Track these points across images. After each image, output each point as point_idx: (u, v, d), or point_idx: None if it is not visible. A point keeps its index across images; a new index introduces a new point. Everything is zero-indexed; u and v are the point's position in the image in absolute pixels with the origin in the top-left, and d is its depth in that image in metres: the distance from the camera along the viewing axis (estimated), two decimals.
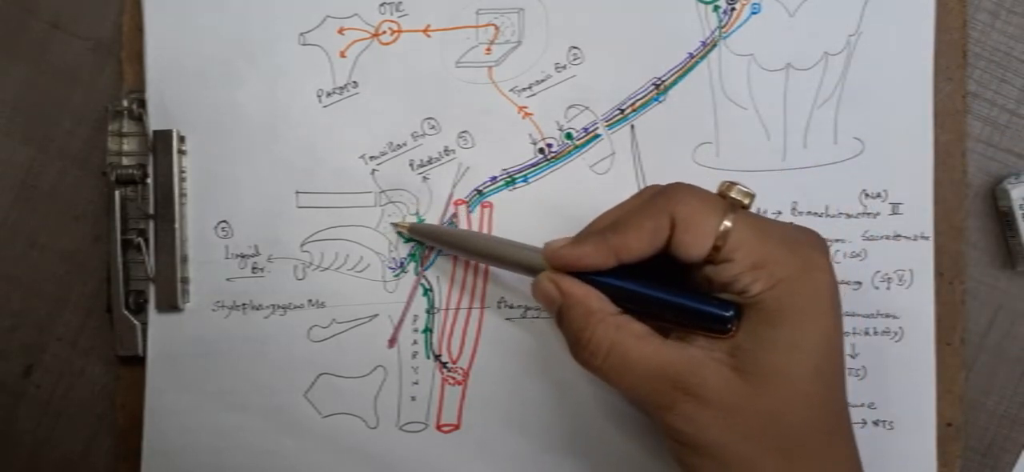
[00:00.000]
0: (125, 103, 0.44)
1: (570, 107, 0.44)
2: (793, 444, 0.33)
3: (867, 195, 0.43)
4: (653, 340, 0.35)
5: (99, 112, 0.45)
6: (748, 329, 0.34)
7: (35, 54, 0.45)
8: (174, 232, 0.43)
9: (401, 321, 0.43)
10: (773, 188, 0.43)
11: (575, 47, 0.44)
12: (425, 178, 0.44)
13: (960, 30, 0.43)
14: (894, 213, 0.43)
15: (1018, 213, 0.42)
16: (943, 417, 0.42)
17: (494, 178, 0.44)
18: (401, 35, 0.44)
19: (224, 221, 0.44)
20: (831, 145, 0.43)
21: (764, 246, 0.34)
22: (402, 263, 0.43)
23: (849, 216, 0.43)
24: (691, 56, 0.43)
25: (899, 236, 0.43)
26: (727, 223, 0.34)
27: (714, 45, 0.43)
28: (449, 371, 0.43)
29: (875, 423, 0.43)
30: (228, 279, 0.43)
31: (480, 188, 0.44)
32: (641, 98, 0.43)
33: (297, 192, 0.43)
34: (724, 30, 0.43)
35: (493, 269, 0.43)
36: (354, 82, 0.44)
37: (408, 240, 0.44)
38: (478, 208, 0.44)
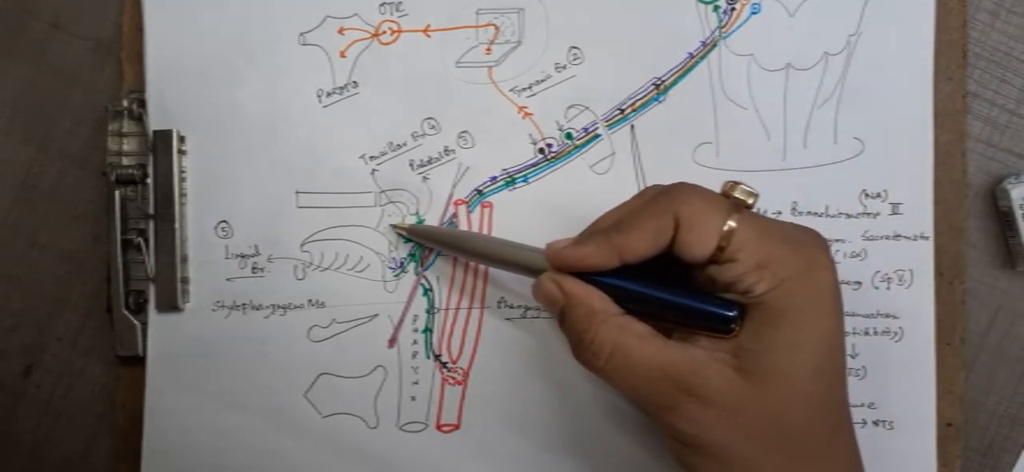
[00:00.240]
0: (125, 103, 0.44)
1: (570, 107, 0.44)
2: (795, 444, 0.33)
3: (867, 195, 0.43)
4: (656, 340, 0.35)
5: (99, 112, 0.45)
6: (751, 329, 0.34)
7: (35, 54, 0.45)
8: (174, 232, 0.43)
9: (401, 321, 0.43)
10: (773, 188, 0.43)
11: (575, 47, 0.44)
12: (425, 178, 0.44)
13: (960, 30, 0.43)
14: (894, 213, 0.43)
15: (1018, 213, 0.42)
16: (943, 417, 0.42)
17: (494, 178, 0.44)
18: (401, 35, 0.44)
19: (224, 221, 0.44)
20: (831, 145, 0.43)
21: (768, 246, 0.34)
22: (402, 263, 0.43)
23: (849, 216, 0.43)
24: (691, 56, 0.43)
25: (899, 236, 0.43)
26: (731, 223, 0.34)
27: (714, 45, 0.43)
28: (449, 371, 0.43)
29: (875, 423, 0.43)
30: (228, 279, 0.43)
31: (480, 188, 0.44)
32: (641, 98, 0.43)
33: (297, 192, 0.44)
34: (724, 30, 0.43)
35: (494, 270, 0.43)
36: (354, 82, 0.44)
37: (408, 240, 0.43)
38: (478, 208, 0.44)
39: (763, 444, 0.33)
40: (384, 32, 0.44)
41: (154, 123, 0.43)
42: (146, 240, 0.43)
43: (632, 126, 0.43)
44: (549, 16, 0.43)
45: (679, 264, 0.35)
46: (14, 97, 0.45)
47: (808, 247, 0.35)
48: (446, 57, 0.44)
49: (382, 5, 0.44)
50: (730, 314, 0.34)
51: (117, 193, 0.43)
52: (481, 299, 0.43)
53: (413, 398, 0.43)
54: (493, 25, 0.44)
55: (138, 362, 0.44)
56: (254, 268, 0.43)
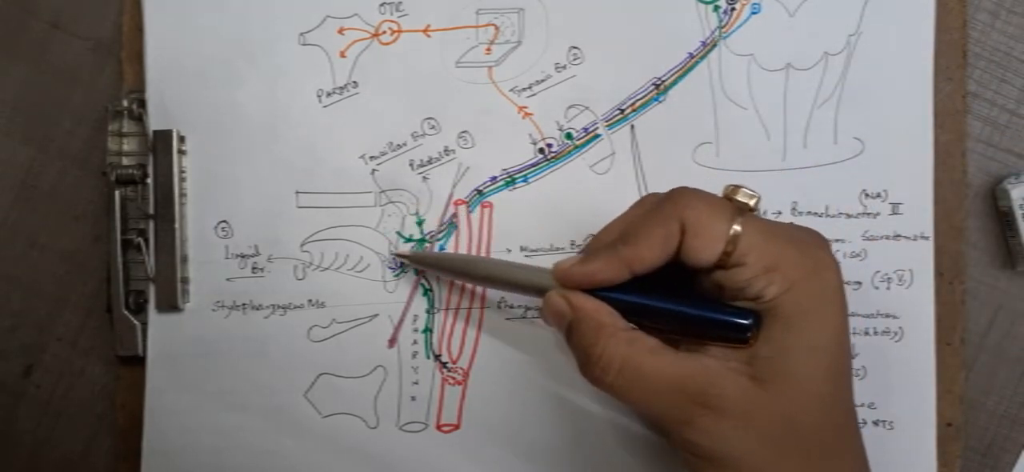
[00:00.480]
0: (125, 103, 0.44)
1: (570, 107, 0.44)
2: (809, 445, 0.33)
3: (867, 195, 0.43)
4: (667, 353, 0.34)
5: (99, 112, 0.45)
6: (764, 335, 0.33)
7: (35, 54, 0.45)
8: (174, 232, 0.43)
9: (401, 321, 0.43)
10: (773, 188, 0.43)
11: (575, 47, 0.44)
12: (425, 178, 0.44)
13: (960, 30, 0.43)
14: (894, 213, 0.43)
15: (1018, 213, 0.42)
16: (943, 417, 0.42)
17: (494, 178, 0.44)
18: (401, 35, 0.44)
19: (224, 221, 0.44)
20: (831, 145, 0.43)
21: (775, 248, 0.33)
22: (402, 263, 0.43)
23: (849, 216, 0.43)
24: (691, 56, 0.43)
25: (899, 236, 0.43)
26: (737, 227, 0.33)
27: (714, 45, 0.43)
28: (449, 371, 0.43)
29: (875, 423, 0.43)
30: (228, 279, 0.43)
31: (480, 188, 0.44)
32: (641, 98, 0.43)
33: (297, 192, 0.44)
34: (724, 30, 0.43)
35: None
36: (354, 82, 0.44)
37: (408, 240, 0.43)
38: (478, 208, 0.44)
39: (778, 449, 0.33)
40: (384, 32, 0.44)
41: (154, 123, 0.43)
42: (146, 240, 0.43)
43: (632, 126, 0.43)
44: (549, 16, 0.44)
45: (684, 274, 0.35)
46: (14, 97, 0.46)
47: (813, 248, 0.34)
48: (446, 57, 0.44)
49: (382, 5, 0.44)
50: (746, 322, 0.33)
51: (117, 193, 0.43)
52: (481, 299, 0.43)
53: (413, 398, 0.43)
54: (493, 25, 0.44)
55: (138, 362, 0.44)
56: (254, 268, 0.43)
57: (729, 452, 0.33)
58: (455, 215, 0.44)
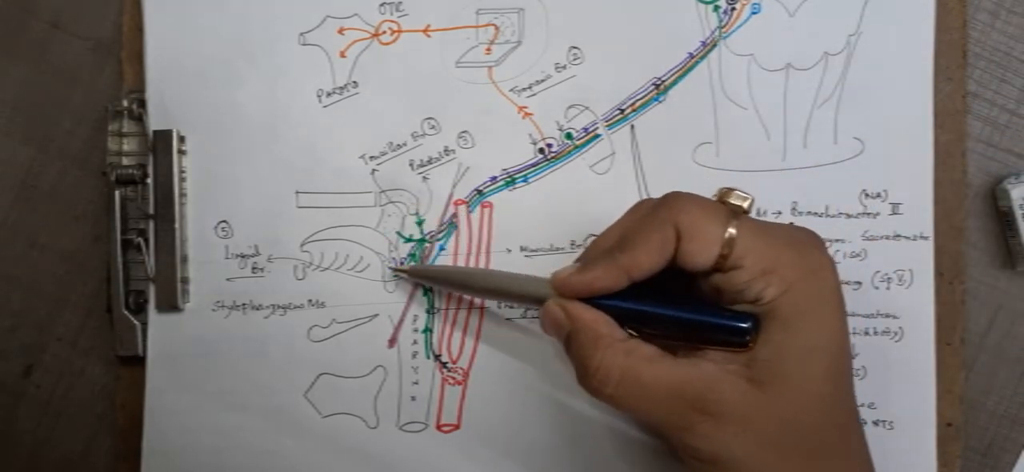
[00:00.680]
0: (125, 103, 0.44)
1: (570, 107, 0.44)
2: (812, 446, 0.33)
3: (867, 195, 0.43)
4: (665, 361, 0.34)
5: (99, 112, 0.45)
6: (764, 337, 0.33)
7: (35, 54, 0.45)
8: (174, 232, 0.43)
9: (401, 321, 0.43)
10: (773, 188, 0.43)
11: (575, 47, 0.44)
12: (425, 178, 0.44)
13: (960, 30, 0.43)
14: (894, 213, 0.43)
15: (1018, 213, 0.42)
16: (943, 417, 0.42)
17: (494, 178, 0.44)
18: (401, 35, 0.44)
19: (224, 221, 0.44)
20: (831, 145, 0.43)
21: (772, 250, 0.33)
22: (402, 263, 0.43)
23: (849, 216, 0.43)
24: (691, 56, 0.43)
25: (899, 236, 0.43)
26: (732, 231, 0.33)
27: (714, 45, 0.43)
28: (449, 371, 0.43)
29: (875, 423, 0.43)
30: (228, 279, 0.43)
31: (480, 188, 0.44)
32: (641, 98, 0.43)
33: (297, 192, 0.44)
34: (724, 30, 0.43)
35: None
36: (354, 82, 0.44)
37: (408, 240, 0.44)
38: (478, 208, 0.44)
39: (780, 451, 0.33)
40: (384, 32, 0.44)
41: (154, 123, 0.43)
42: (146, 240, 0.43)
43: (632, 126, 0.43)
44: (549, 16, 0.44)
45: (681, 281, 0.35)
46: (14, 97, 0.46)
47: (810, 248, 0.34)
48: (446, 57, 0.44)
49: (382, 5, 0.44)
50: (745, 326, 0.33)
51: (117, 193, 0.43)
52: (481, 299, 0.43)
53: (413, 398, 0.43)
54: (493, 25, 0.44)
55: (138, 362, 0.44)
56: (254, 268, 0.43)
57: (730, 456, 0.33)
58: (455, 215, 0.44)
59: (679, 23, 0.43)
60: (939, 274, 0.43)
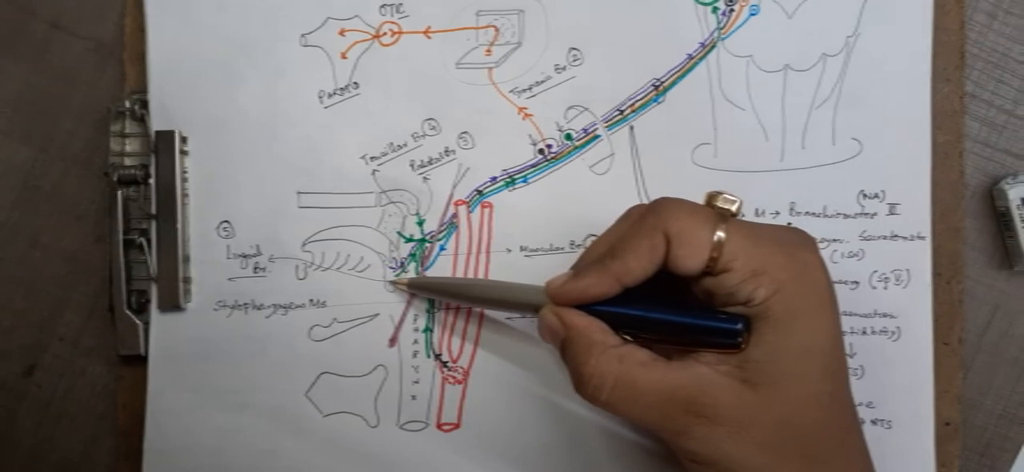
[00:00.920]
0: (127, 104, 0.44)
1: (570, 108, 0.44)
2: (809, 446, 0.33)
3: (865, 195, 0.43)
4: (658, 365, 0.34)
5: (101, 113, 0.45)
6: (756, 339, 0.33)
7: (36, 55, 0.46)
8: (176, 232, 0.43)
9: (402, 320, 0.44)
10: (771, 189, 0.43)
11: (575, 48, 0.44)
12: (425, 178, 0.44)
13: (958, 31, 0.43)
14: (891, 213, 0.43)
15: (1015, 213, 0.42)
16: (941, 416, 0.43)
17: (494, 178, 0.44)
18: (402, 36, 0.44)
19: (226, 221, 0.44)
20: (829, 146, 0.43)
21: (760, 252, 0.34)
22: (403, 263, 0.44)
23: (847, 216, 0.43)
24: (690, 57, 0.43)
25: (896, 236, 0.43)
26: (720, 234, 0.34)
27: (713, 46, 0.43)
28: (449, 370, 0.43)
29: (873, 422, 0.43)
30: (230, 279, 0.44)
31: (480, 188, 0.44)
32: (640, 99, 0.44)
33: (298, 192, 0.44)
34: (723, 31, 0.43)
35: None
36: (355, 83, 0.44)
37: (408, 241, 0.44)
38: (478, 208, 0.44)
39: (777, 452, 0.33)
40: (385, 33, 0.44)
41: (156, 124, 0.43)
42: (148, 240, 0.43)
43: (631, 127, 0.44)
44: (549, 17, 0.44)
45: (675, 283, 0.35)
46: (15, 97, 0.46)
47: (799, 249, 0.35)
48: (446, 58, 0.44)
49: (383, 7, 0.44)
50: (736, 327, 0.33)
51: (119, 193, 0.43)
52: None
53: (413, 397, 0.43)
54: (493, 26, 0.44)
55: (139, 362, 0.44)
56: (255, 268, 0.44)
57: (726, 457, 0.33)
58: (455, 215, 0.44)
59: (678, 25, 0.43)
60: (937, 274, 0.43)
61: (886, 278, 0.43)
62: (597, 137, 0.44)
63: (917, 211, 0.43)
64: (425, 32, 0.44)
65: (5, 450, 0.45)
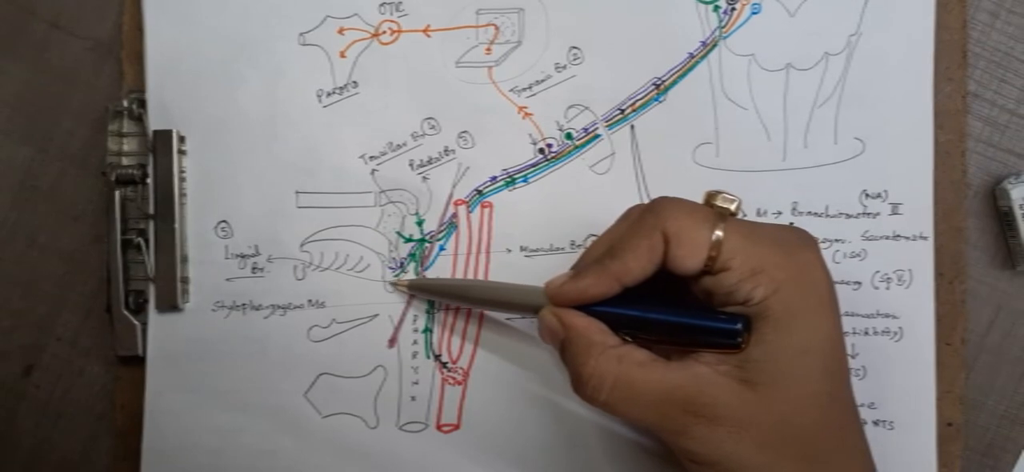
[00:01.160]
0: (125, 103, 0.44)
1: (570, 107, 0.44)
2: (809, 446, 0.33)
3: (867, 195, 0.43)
4: (657, 365, 0.34)
5: (99, 112, 0.45)
6: (755, 338, 0.33)
7: (35, 54, 0.45)
8: (174, 232, 0.43)
9: (401, 321, 0.43)
10: (773, 188, 0.43)
11: (575, 47, 0.44)
12: (425, 178, 0.44)
13: (960, 30, 0.43)
14: (894, 213, 0.43)
15: (1018, 213, 0.42)
16: (943, 417, 0.42)
17: (494, 178, 0.44)
18: (401, 35, 0.44)
19: (224, 221, 0.44)
20: (831, 145, 0.43)
21: (759, 251, 0.33)
22: (402, 263, 0.43)
23: (849, 216, 0.43)
24: (691, 56, 0.43)
25: (899, 236, 0.43)
26: (719, 233, 0.33)
27: (714, 45, 0.43)
28: (449, 371, 0.43)
29: (875, 423, 0.43)
30: (228, 279, 0.43)
31: (480, 188, 0.44)
32: (641, 98, 0.43)
33: (297, 192, 0.44)
34: (724, 30, 0.43)
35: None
36: (354, 82, 0.44)
37: (408, 241, 0.44)
38: (478, 208, 0.44)
39: (777, 452, 0.33)
40: (384, 32, 0.44)
41: (154, 123, 0.43)
42: (146, 240, 0.43)
43: (632, 126, 0.43)
44: (549, 16, 0.44)
45: (675, 283, 0.35)
46: (14, 97, 0.46)
47: (798, 248, 0.35)
48: (446, 57, 0.44)
49: (382, 5, 0.44)
50: (736, 327, 0.33)
51: (117, 193, 0.43)
52: None
53: (413, 398, 0.43)
54: (493, 25, 0.44)
55: (138, 362, 0.44)
56: (254, 268, 0.43)
57: (726, 457, 0.33)
58: (455, 215, 0.44)
59: (679, 23, 0.43)
60: (939, 274, 0.43)
61: (888, 278, 0.43)
62: (598, 136, 0.43)
63: (919, 211, 0.43)
64: (424, 31, 0.44)
65: (4, 450, 0.45)
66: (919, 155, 0.43)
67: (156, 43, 0.44)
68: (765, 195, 0.43)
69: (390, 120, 0.44)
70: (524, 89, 0.44)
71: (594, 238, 0.42)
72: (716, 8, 0.43)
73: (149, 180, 0.43)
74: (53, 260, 0.45)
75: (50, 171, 0.45)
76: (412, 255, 0.43)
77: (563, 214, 0.43)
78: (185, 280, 0.43)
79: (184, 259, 0.43)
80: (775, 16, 0.43)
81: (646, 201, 0.38)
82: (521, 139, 0.44)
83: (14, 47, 0.46)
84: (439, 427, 0.43)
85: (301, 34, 0.44)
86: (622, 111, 0.43)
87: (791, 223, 0.43)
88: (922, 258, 0.43)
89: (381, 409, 0.43)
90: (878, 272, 0.43)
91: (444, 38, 0.44)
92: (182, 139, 0.43)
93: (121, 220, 0.43)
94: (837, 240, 0.43)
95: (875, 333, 0.43)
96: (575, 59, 0.44)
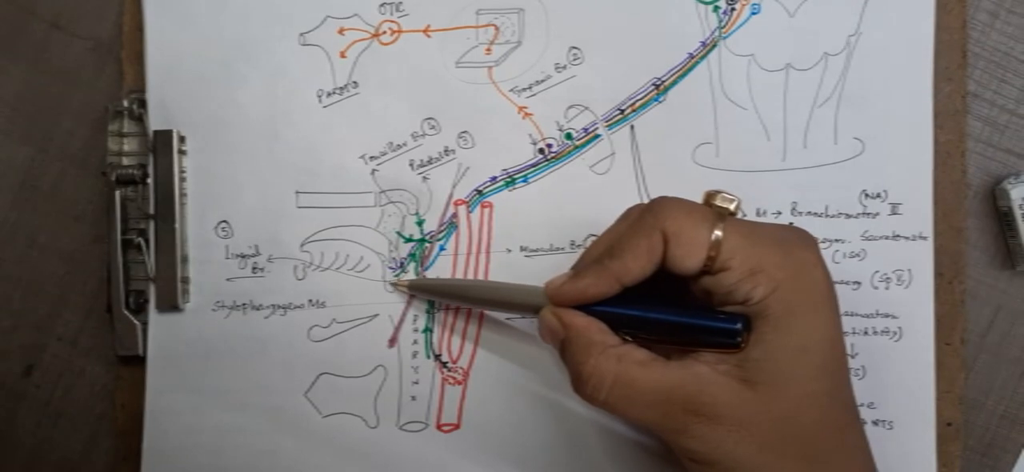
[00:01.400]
0: (125, 103, 0.44)
1: (570, 107, 0.44)
2: (808, 445, 0.33)
3: (867, 195, 0.43)
4: (657, 365, 0.34)
5: (99, 112, 0.45)
6: (755, 338, 0.33)
7: (35, 54, 0.45)
8: (174, 232, 0.43)
9: (401, 321, 0.43)
10: (773, 188, 0.43)
11: (575, 47, 0.44)
12: (425, 178, 0.44)
13: (960, 30, 0.43)
14: (893, 213, 0.43)
15: (1018, 213, 0.42)
16: (943, 417, 0.42)
17: (494, 178, 0.44)
18: (401, 35, 0.44)
19: (224, 221, 0.44)
20: (831, 145, 0.43)
21: (758, 251, 0.34)
22: (402, 263, 0.44)
23: (849, 216, 0.43)
24: (691, 56, 0.43)
25: (898, 236, 0.43)
26: (718, 233, 0.34)
27: (714, 45, 0.43)
28: (449, 371, 0.43)
29: (875, 423, 0.43)
30: (228, 279, 0.43)
31: (480, 188, 0.44)
32: (641, 98, 0.43)
33: (297, 192, 0.44)
34: (724, 30, 0.43)
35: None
36: (354, 82, 0.44)
37: (408, 241, 0.44)
38: (478, 208, 0.44)
39: (776, 451, 0.33)
40: (384, 32, 0.44)
41: (154, 123, 0.43)
42: (146, 240, 0.43)
43: (632, 126, 0.43)
44: (549, 16, 0.44)
45: (674, 285, 0.35)
46: (14, 97, 0.46)
47: (797, 247, 0.35)
48: (446, 57, 0.44)
49: (382, 5, 0.44)
50: (736, 327, 0.33)
51: (117, 193, 0.43)
52: None
53: (413, 398, 0.43)
54: (493, 25, 0.44)
55: (138, 362, 0.44)
56: (254, 268, 0.43)
57: (726, 457, 0.33)
58: (455, 215, 0.44)
59: (679, 23, 0.43)
60: (939, 274, 0.43)
61: (888, 278, 0.43)
62: (597, 137, 0.43)
63: (919, 211, 0.43)
64: (425, 31, 0.44)
65: (4, 450, 0.45)
66: (919, 155, 0.43)
67: (156, 43, 0.44)
68: (765, 195, 0.43)
69: (390, 120, 0.44)
70: (524, 89, 0.44)
71: (594, 238, 0.42)
72: (716, 8, 0.43)
73: (149, 180, 0.43)
74: (53, 260, 0.45)
75: (50, 171, 0.45)
76: (412, 255, 0.44)
77: (563, 214, 0.43)
78: (185, 280, 0.43)
79: (184, 259, 0.43)
80: (775, 16, 0.43)
81: (646, 201, 0.38)
82: (521, 139, 0.44)
83: (14, 47, 0.46)
84: (439, 427, 0.43)
85: (301, 34, 0.44)
86: (622, 111, 0.43)
87: (791, 223, 0.43)
88: (922, 258, 0.43)
89: (381, 409, 0.43)
90: (878, 272, 0.43)
91: (444, 38, 0.44)
92: (182, 139, 0.43)
93: (121, 220, 0.43)
94: (837, 240, 0.43)
95: (875, 333, 0.43)
96: (575, 59, 0.44)
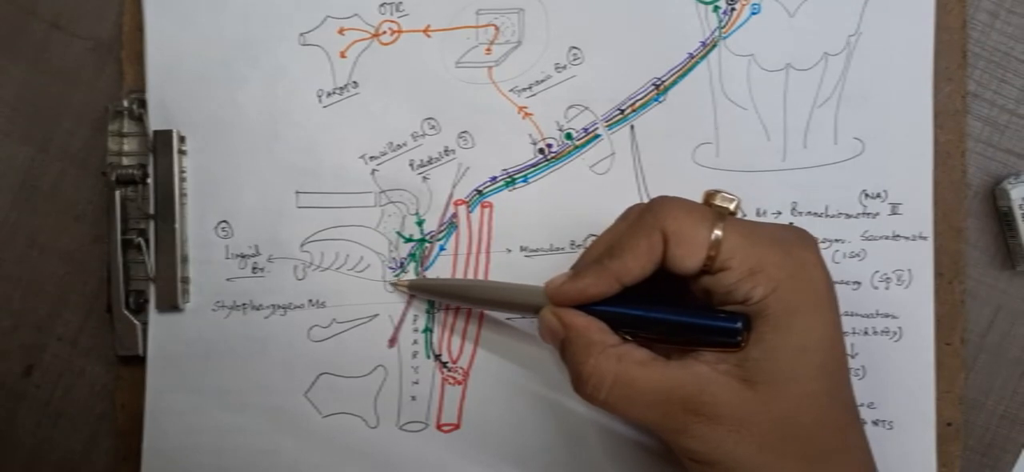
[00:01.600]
0: (125, 103, 0.44)
1: (570, 107, 0.44)
2: (808, 445, 0.33)
3: (867, 195, 0.43)
4: (657, 364, 0.34)
5: (99, 112, 0.45)
6: (755, 337, 0.33)
7: (35, 54, 0.45)
8: (174, 232, 0.43)
9: (401, 321, 0.43)
10: (773, 188, 0.43)
11: (575, 47, 0.44)
12: (425, 178, 0.44)
13: (960, 30, 0.43)
14: (893, 213, 0.43)
15: (1018, 213, 0.42)
16: (943, 417, 0.42)
17: (494, 178, 0.44)
18: (401, 35, 0.44)
19: (224, 221, 0.44)
20: (831, 145, 0.43)
21: (758, 250, 0.34)
22: (402, 263, 0.44)
23: (849, 216, 0.43)
24: (691, 56, 0.43)
25: (898, 236, 0.43)
26: (718, 232, 0.34)
27: (714, 45, 0.43)
28: (449, 371, 0.43)
29: (875, 423, 0.43)
30: (228, 279, 0.43)
31: (480, 188, 0.44)
32: (641, 98, 0.43)
33: (297, 192, 0.44)
34: (724, 30, 0.43)
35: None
36: (354, 82, 0.44)
37: (408, 241, 0.44)
38: (478, 208, 0.44)
39: (776, 450, 0.33)
40: (384, 32, 0.44)
41: (154, 123, 0.43)
42: (146, 240, 0.43)
43: (632, 126, 0.43)
44: (549, 16, 0.44)
45: (674, 284, 0.35)
46: (14, 97, 0.46)
47: (797, 247, 0.35)
48: (446, 57, 0.44)
49: (382, 5, 0.44)
50: (736, 326, 0.33)
51: (117, 193, 0.43)
52: None
53: (413, 398, 0.43)
54: (493, 25, 0.44)
55: (138, 362, 0.44)
56: (254, 268, 0.43)
57: (726, 456, 0.33)
58: (455, 215, 0.44)
59: (679, 23, 0.43)
60: (939, 274, 0.43)
61: (888, 278, 0.43)
62: (597, 137, 0.43)
63: (919, 211, 0.43)
64: (425, 31, 0.44)
65: (4, 450, 0.45)
66: (919, 155, 0.43)
67: (156, 43, 0.44)
68: (765, 195, 0.43)
69: (390, 120, 0.44)
70: (524, 89, 0.44)
71: (594, 238, 0.42)
72: (716, 8, 0.43)
73: (149, 180, 0.43)
74: (53, 260, 0.45)
75: (50, 171, 0.45)
76: (412, 255, 0.44)
77: (563, 214, 0.43)
78: (185, 280, 0.43)
79: (184, 259, 0.43)
80: (775, 16, 0.43)
81: (646, 201, 0.38)
82: (521, 139, 0.44)
83: (14, 47, 0.46)
84: (439, 427, 0.43)
85: (301, 34, 0.44)
86: (622, 111, 0.43)
87: (791, 223, 0.43)
88: (922, 258, 0.43)
89: (381, 409, 0.43)
90: (878, 272, 0.43)
91: (444, 38, 0.44)
92: (182, 139, 0.43)
93: (121, 220, 0.43)
94: (837, 240, 0.43)
95: (874, 333, 0.43)
96: (575, 59, 0.44)
